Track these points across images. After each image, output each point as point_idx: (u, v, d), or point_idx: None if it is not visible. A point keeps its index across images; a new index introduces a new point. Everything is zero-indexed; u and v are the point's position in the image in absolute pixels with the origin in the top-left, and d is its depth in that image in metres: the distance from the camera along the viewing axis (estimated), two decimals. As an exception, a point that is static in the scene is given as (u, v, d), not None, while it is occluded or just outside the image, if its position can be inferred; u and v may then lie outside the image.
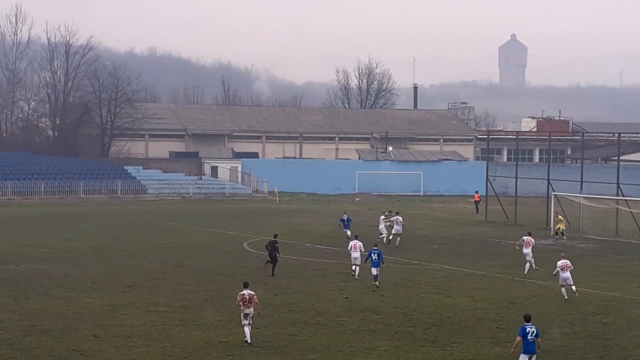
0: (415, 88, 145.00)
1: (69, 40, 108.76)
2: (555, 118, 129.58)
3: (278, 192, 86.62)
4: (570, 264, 35.59)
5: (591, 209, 57.96)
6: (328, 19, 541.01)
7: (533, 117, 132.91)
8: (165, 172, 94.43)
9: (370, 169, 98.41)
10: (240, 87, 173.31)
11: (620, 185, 60.56)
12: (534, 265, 40.46)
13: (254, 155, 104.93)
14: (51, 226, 59.11)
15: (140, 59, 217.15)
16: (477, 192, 74.50)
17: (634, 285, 38.40)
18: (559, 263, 35.32)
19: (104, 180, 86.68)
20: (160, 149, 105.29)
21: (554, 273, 36.24)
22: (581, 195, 60.55)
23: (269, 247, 40.30)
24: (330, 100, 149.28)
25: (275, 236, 41.77)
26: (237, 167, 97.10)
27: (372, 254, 37.47)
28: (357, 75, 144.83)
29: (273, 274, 39.26)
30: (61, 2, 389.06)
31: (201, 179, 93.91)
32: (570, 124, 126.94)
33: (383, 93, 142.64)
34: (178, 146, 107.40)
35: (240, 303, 27.40)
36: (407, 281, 38.32)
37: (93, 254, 46.06)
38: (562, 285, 35.19)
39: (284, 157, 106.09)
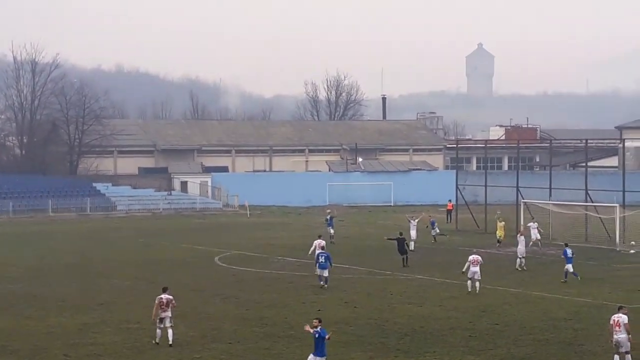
0: (384, 99, 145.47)
1: (35, 58, 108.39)
2: (523, 126, 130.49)
3: (249, 205, 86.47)
4: (481, 259, 37.98)
5: (560, 215, 58.30)
6: (295, 31, 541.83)
7: (501, 125, 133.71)
8: (134, 188, 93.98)
9: (341, 181, 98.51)
10: (209, 102, 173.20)
11: (589, 192, 60.99)
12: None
13: (224, 169, 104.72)
14: (20, 245, 58.59)
15: (107, 75, 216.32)
16: (450, 200, 74.78)
17: (605, 290, 38.65)
18: (470, 257, 37.81)
19: (72, 198, 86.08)
20: (129, 165, 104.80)
21: (464, 270, 38.31)
22: (550, 202, 60.91)
23: (398, 244, 46.38)
24: (299, 112, 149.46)
25: (401, 234, 47.84)
26: (207, 181, 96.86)
27: (320, 257, 39.19)
28: (326, 87, 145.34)
29: (406, 265, 45.69)
30: (27, 20, 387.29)
31: (171, 194, 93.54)
32: (538, 132, 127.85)
33: (352, 104, 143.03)
34: (147, 162, 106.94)
35: (158, 307, 28.25)
36: (380, 292, 38.34)
37: (63, 272, 45.68)
38: (470, 279, 37.16)
39: (254, 171, 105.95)
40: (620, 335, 24.86)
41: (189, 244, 58.69)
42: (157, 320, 28.50)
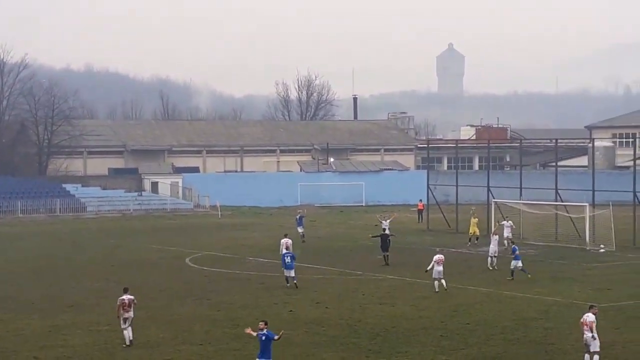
0: (355, 99, 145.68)
1: (2, 58, 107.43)
2: (494, 125, 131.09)
3: (220, 206, 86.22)
4: (443, 259, 38.53)
5: (531, 215, 58.59)
6: (266, 31, 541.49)
7: (472, 125, 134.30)
8: (104, 189, 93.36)
9: (312, 181, 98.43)
10: (180, 102, 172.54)
11: (559, 191, 61.34)
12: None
13: (195, 169, 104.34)
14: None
15: (77, 75, 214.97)
16: (420, 200, 74.93)
17: (575, 289, 38.89)
18: (435, 257, 38.14)
19: (42, 199, 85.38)
20: (99, 165, 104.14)
21: (428, 269, 38.63)
22: (521, 201, 61.22)
23: (382, 240, 47.30)
24: (270, 112, 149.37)
25: (384, 230, 50.95)
26: (177, 182, 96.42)
27: (286, 257, 39.70)
28: (297, 87, 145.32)
29: (387, 264, 46.24)
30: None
31: (141, 195, 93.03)
32: (509, 131, 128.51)
33: (323, 104, 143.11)
34: (117, 162, 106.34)
35: (120, 308, 28.43)
36: (351, 292, 38.35)
37: (33, 274, 45.32)
38: (435, 279, 37.61)
39: (225, 171, 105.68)
40: (587, 335, 25.05)
41: (159, 245, 58.43)
42: (122, 322, 28.54)
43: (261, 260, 49.73)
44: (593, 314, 25.32)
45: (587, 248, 53.94)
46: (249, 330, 24.10)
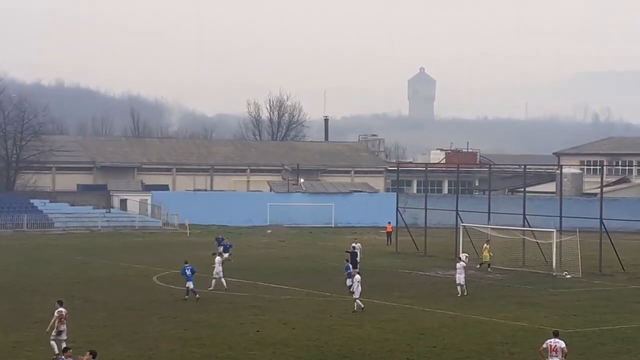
0: (326, 120, 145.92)
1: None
2: (464, 150, 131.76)
3: (189, 224, 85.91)
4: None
5: (499, 239, 58.89)
6: (239, 50, 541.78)
7: (442, 149, 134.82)
8: (72, 205, 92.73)
9: (282, 201, 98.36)
10: (150, 119, 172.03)
11: (527, 216, 61.73)
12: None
13: (165, 187, 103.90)
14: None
15: (47, 90, 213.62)
16: (389, 222, 75.11)
17: (541, 314, 39.09)
18: (356, 277, 39.65)
19: (9, 214, 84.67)
20: (68, 181, 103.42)
21: (351, 289, 40.24)
22: (489, 226, 61.53)
23: (351, 257, 49.80)
24: (241, 132, 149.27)
25: (354, 247, 53.74)
26: (146, 199, 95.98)
27: (186, 270, 42.15)
28: (268, 107, 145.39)
29: None
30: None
31: (110, 212, 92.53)
32: (478, 156, 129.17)
33: (294, 125, 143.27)
34: (86, 179, 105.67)
35: (58, 320, 28.93)
36: (319, 313, 38.32)
37: (-3, 289, 44.86)
38: (355, 298, 38.98)
39: (194, 190, 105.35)
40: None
41: (127, 262, 58.09)
42: (55, 333, 28.91)
43: (229, 279, 49.48)
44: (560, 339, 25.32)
45: (554, 274, 54.27)
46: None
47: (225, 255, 55.47)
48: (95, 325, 34.84)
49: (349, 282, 43.81)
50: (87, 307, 39.53)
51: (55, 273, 51.99)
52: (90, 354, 22.76)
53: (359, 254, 54.10)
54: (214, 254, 50.57)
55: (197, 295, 41.74)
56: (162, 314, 37.64)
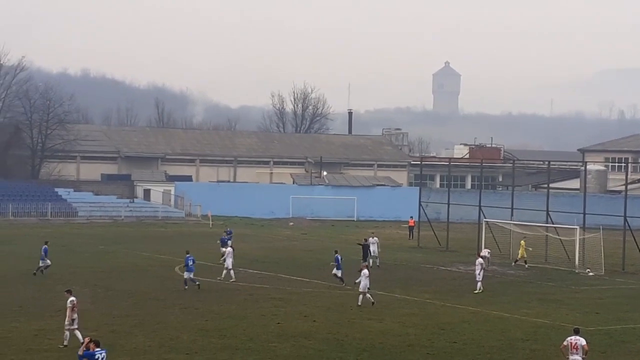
0: (350, 113, 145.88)
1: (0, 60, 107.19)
2: (488, 145, 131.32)
3: (211, 215, 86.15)
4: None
5: (521, 235, 58.63)
6: (264, 43, 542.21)
7: (466, 144, 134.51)
8: (96, 194, 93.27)
9: (305, 194, 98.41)
10: (175, 110, 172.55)
11: (550, 213, 61.45)
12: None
13: (188, 178, 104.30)
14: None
15: (73, 80, 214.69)
16: (411, 217, 75.00)
17: (562, 311, 38.93)
18: (364, 271, 39.00)
19: (34, 203, 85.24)
20: (92, 171, 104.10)
21: (356, 281, 39.36)
22: (512, 222, 61.31)
23: (363, 250, 50.53)
24: (265, 124, 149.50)
25: (366, 240, 53.01)
26: (170, 190, 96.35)
27: (189, 261, 42.59)
28: (293, 99, 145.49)
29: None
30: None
31: (133, 202, 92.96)
32: (502, 151, 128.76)
33: (318, 118, 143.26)
34: (110, 168, 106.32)
35: (71, 310, 29.16)
36: (339, 307, 38.33)
37: (21, 277, 45.22)
38: (361, 292, 38.43)
39: (217, 181, 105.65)
40: (576, 357, 24.95)
41: (149, 252, 58.36)
42: (70, 321, 29.16)
43: (250, 271, 49.68)
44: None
45: (576, 271, 54.03)
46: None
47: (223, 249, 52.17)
48: (117, 314, 35.05)
49: (336, 271, 44.35)
50: (109, 296, 39.77)
51: (78, 262, 52.30)
52: (92, 341, 22.84)
53: (376, 248, 53.96)
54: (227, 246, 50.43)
55: (198, 283, 42.38)
56: (184, 304, 37.80)
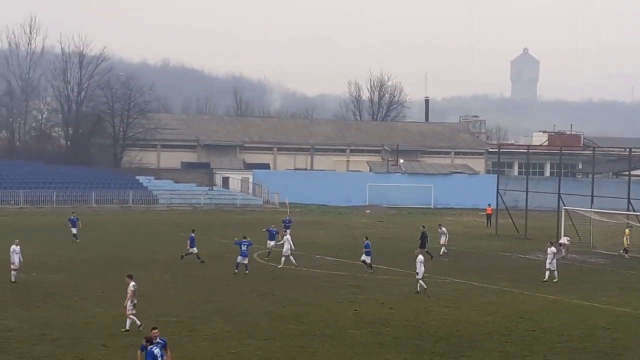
0: (427, 101, 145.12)
1: (82, 51, 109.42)
2: (567, 132, 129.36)
3: (289, 203, 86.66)
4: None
5: (602, 223, 57.82)
6: (341, 32, 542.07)
7: (544, 131, 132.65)
8: (176, 182, 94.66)
9: (381, 182, 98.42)
10: (252, 99, 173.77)
11: (631, 200, 60.43)
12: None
13: (265, 166, 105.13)
14: (62, 235, 59.19)
15: (153, 69, 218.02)
16: (489, 205, 74.47)
17: (644, 300, 38.28)
18: (419, 257, 38.79)
19: (115, 190, 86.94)
20: (172, 159, 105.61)
21: (417, 271, 38.76)
22: (592, 209, 60.44)
23: (421, 238, 50.77)
24: (341, 112, 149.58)
25: (423, 227, 53.63)
26: (248, 178, 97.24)
27: (242, 245, 43.21)
28: (369, 87, 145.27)
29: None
30: (75, 13, 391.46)
31: (212, 189, 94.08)
32: (582, 139, 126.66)
33: (394, 106, 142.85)
34: (190, 157, 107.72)
35: (133, 294, 29.90)
36: (416, 294, 38.31)
37: (104, 263, 46.20)
38: (418, 279, 38.39)
39: (295, 169, 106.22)
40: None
41: (228, 239, 58.94)
42: (132, 307, 29.84)
43: (327, 258, 49.95)
44: None
45: (659, 259, 53.05)
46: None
47: (272, 243, 50.84)
48: (197, 300, 35.58)
49: (365, 257, 44.55)
50: (189, 283, 40.40)
51: (158, 248, 53.17)
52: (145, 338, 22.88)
53: (445, 237, 53.55)
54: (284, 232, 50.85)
55: (247, 271, 43.00)
56: (261, 291, 38.19)
